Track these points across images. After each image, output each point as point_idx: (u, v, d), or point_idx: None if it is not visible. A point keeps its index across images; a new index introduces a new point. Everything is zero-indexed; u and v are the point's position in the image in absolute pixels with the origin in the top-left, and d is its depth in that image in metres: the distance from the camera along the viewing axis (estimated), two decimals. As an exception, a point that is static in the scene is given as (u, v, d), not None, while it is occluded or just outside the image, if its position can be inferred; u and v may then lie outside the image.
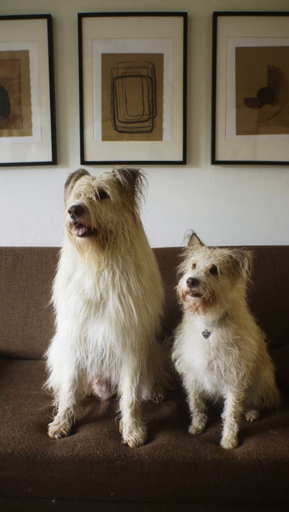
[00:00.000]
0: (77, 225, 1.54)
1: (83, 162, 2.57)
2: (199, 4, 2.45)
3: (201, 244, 1.63)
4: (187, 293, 1.49)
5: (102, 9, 2.46)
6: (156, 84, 2.50)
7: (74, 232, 1.55)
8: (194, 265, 1.54)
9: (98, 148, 2.56)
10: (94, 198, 1.55)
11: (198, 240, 1.64)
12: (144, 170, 1.67)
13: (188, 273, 1.52)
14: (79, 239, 1.56)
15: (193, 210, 2.61)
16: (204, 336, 1.57)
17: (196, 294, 1.47)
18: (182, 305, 1.66)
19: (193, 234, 1.66)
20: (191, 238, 1.66)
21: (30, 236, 2.65)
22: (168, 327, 1.87)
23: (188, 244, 1.66)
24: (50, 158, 2.57)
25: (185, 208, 2.62)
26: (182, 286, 1.50)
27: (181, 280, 1.54)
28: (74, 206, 1.51)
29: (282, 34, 2.44)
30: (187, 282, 1.47)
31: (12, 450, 1.56)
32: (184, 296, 1.52)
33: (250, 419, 1.75)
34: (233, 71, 2.48)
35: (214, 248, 1.57)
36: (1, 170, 2.61)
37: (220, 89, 2.50)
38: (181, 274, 1.58)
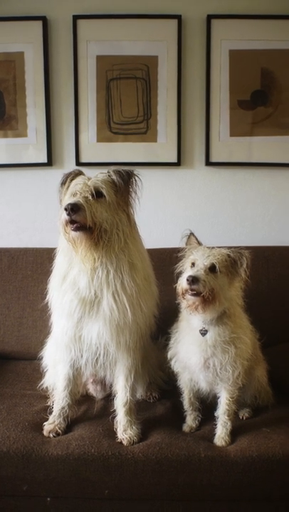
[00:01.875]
0: (73, 224, 1.55)
1: (78, 163, 2.58)
2: (193, 7, 2.47)
3: (199, 243, 1.65)
4: (187, 291, 1.51)
5: (97, 11, 2.48)
6: (151, 86, 2.52)
7: (69, 229, 1.57)
8: (193, 264, 1.56)
9: (93, 149, 2.58)
10: (90, 197, 1.57)
11: (196, 239, 1.67)
12: (138, 171, 1.69)
13: (188, 271, 1.54)
14: (73, 233, 1.58)
15: (188, 210, 2.63)
16: (202, 333, 1.59)
17: (196, 293, 1.49)
18: (178, 304, 1.68)
19: (191, 233, 1.68)
20: (188, 238, 1.68)
21: (26, 237, 2.65)
22: (162, 327, 1.89)
23: (186, 244, 1.68)
24: (45, 160, 2.59)
25: (179, 208, 2.64)
26: (182, 284, 1.53)
27: (180, 278, 1.56)
28: (70, 204, 1.53)
29: (275, 37, 2.46)
30: (187, 280, 1.49)
31: (7, 449, 1.57)
32: (183, 295, 1.54)
33: (243, 417, 1.77)
34: (227, 73, 2.51)
35: (213, 247, 1.59)
36: (-4, 171, 2.63)
37: (214, 91, 2.52)
38: (180, 273, 1.60)
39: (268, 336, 1.88)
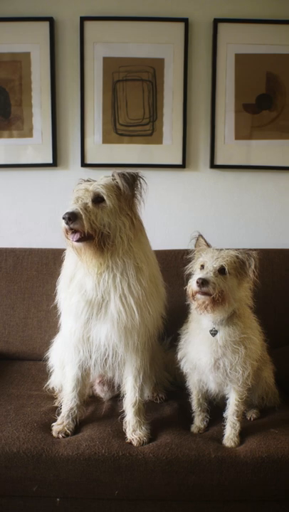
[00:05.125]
0: (73, 231, 1.56)
1: (83, 164, 2.59)
2: (200, 11, 2.49)
3: (208, 245, 1.67)
4: (197, 292, 1.52)
5: (104, 13, 2.49)
6: (157, 88, 2.53)
7: (70, 237, 1.58)
8: (202, 266, 1.57)
9: (98, 150, 2.58)
10: (89, 203, 1.57)
11: (205, 241, 1.68)
12: (143, 173, 1.68)
13: (198, 274, 1.56)
14: (76, 244, 1.59)
15: (192, 213, 2.65)
16: (212, 334, 1.60)
17: (206, 293, 1.51)
18: (187, 305, 1.70)
19: (200, 235, 1.69)
20: (197, 240, 1.69)
21: (30, 237, 2.65)
22: (168, 327, 1.90)
23: (195, 246, 1.69)
24: (50, 160, 2.59)
25: (184, 210, 2.65)
26: (192, 286, 1.54)
27: (190, 280, 1.57)
28: (67, 213, 1.53)
29: (280, 42, 2.49)
30: (197, 282, 1.50)
31: (17, 449, 1.57)
32: (193, 296, 1.55)
33: (250, 418, 1.78)
34: (233, 77, 2.53)
35: (221, 249, 1.61)
36: (0, 171, 2.61)
37: (219, 94, 2.54)
38: (189, 275, 1.62)
39: (274, 337, 1.90)
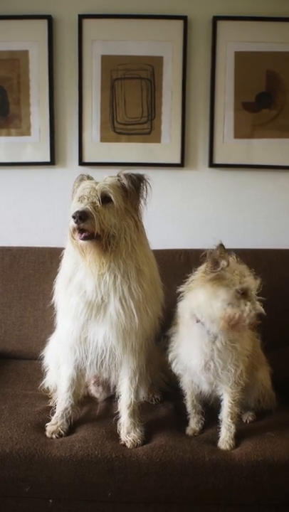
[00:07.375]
0: (81, 230, 1.54)
1: (81, 163, 2.57)
2: (199, 8, 2.47)
3: (227, 259, 1.52)
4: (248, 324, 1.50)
5: (102, 11, 2.47)
6: (156, 86, 2.51)
7: (77, 236, 1.56)
8: (245, 293, 1.49)
9: (96, 149, 2.56)
10: (97, 203, 1.55)
11: (226, 252, 1.53)
12: (148, 175, 1.66)
13: (244, 305, 1.49)
14: (81, 242, 1.56)
15: (191, 212, 2.62)
16: (211, 340, 1.57)
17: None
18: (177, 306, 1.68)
19: (221, 245, 1.52)
20: (218, 249, 1.51)
21: (27, 236, 2.63)
22: (165, 328, 1.88)
23: (212, 256, 1.52)
24: (48, 159, 2.57)
25: (182, 209, 2.63)
26: (245, 319, 1.48)
27: (243, 312, 1.47)
28: (78, 212, 1.50)
29: (280, 39, 2.46)
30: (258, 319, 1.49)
31: (10, 450, 1.56)
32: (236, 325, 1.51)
33: (246, 421, 1.76)
34: (232, 75, 2.50)
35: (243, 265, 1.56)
36: (-2, 169, 2.61)
37: (218, 92, 2.52)
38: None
39: (272, 338, 1.88)
